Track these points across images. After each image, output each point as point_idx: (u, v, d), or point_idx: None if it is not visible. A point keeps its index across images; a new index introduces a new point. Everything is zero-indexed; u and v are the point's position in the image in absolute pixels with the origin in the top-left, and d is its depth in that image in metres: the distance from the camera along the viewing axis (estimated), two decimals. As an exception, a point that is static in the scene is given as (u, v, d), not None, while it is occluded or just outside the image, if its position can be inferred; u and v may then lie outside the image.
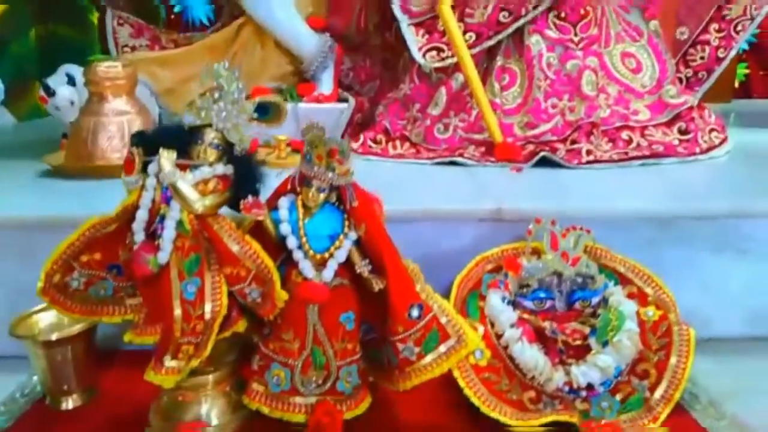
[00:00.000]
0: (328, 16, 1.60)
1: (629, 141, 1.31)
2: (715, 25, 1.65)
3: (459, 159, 1.31)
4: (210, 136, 0.78)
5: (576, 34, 1.38)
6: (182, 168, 0.76)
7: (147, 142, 0.78)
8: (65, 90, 1.37)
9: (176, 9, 1.98)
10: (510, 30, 1.38)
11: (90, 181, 1.15)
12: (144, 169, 0.79)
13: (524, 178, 1.23)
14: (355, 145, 1.40)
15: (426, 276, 0.84)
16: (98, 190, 1.07)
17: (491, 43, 1.39)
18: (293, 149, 1.30)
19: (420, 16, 1.40)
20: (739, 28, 1.63)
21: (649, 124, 1.35)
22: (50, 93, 1.35)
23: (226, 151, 0.80)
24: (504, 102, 1.37)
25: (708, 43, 1.65)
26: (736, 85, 2.28)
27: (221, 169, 0.79)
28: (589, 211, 1.03)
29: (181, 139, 0.78)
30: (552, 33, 1.38)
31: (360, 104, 1.52)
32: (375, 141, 1.42)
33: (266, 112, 0.87)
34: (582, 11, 1.38)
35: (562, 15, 1.38)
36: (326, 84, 1.53)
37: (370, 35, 1.65)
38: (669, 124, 1.36)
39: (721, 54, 1.65)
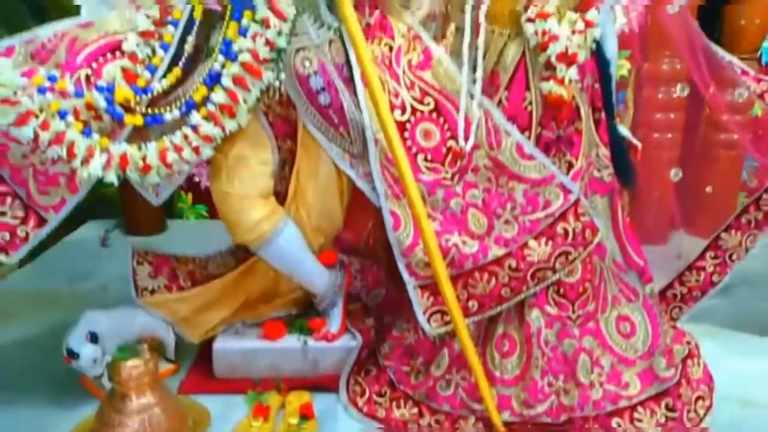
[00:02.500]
0: (341, 232, 1.66)
1: (618, 427, 1.40)
2: (711, 253, 1.71)
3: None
4: None
5: (574, 311, 1.45)
6: None
7: None
8: (89, 349, 1.45)
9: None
10: (511, 303, 1.45)
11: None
12: None
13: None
14: (360, 402, 1.49)
15: None
16: None
17: (492, 313, 1.46)
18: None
19: (426, 279, 1.46)
20: (734, 257, 1.69)
21: (638, 400, 1.43)
22: (75, 356, 1.43)
23: None
24: (503, 372, 1.45)
25: (704, 269, 1.71)
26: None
27: None
28: None
29: None
30: (551, 309, 1.44)
31: (366, 341, 1.61)
32: (380, 394, 1.51)
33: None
34: (580, 288, 1.45)
35: (561, 291, 1.44)
36: (335, 321, 1.61)
37: (378, 249, 1.71)
38: (657, 399, 1.44)
39: (715, 279, 1.72)
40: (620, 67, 2.46)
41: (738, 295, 2.00)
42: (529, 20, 1.35)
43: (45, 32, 1.38)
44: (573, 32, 1.35)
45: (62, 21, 1.42)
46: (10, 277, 2.23)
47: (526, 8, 1.36)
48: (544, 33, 1.35)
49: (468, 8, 1.38)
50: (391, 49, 1.51)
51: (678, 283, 1.75)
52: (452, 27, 1.52)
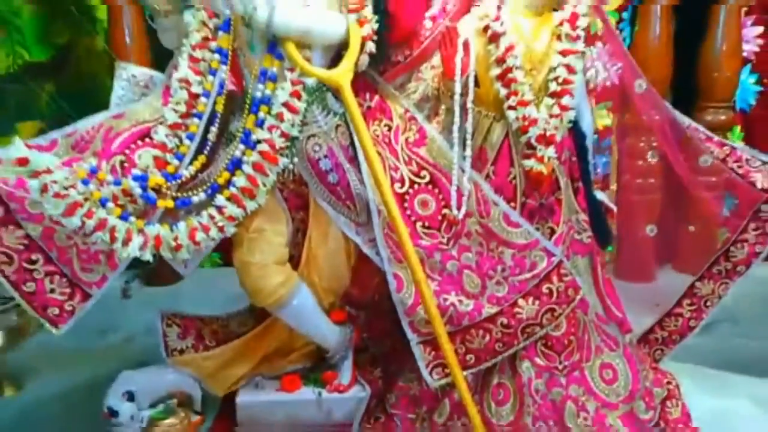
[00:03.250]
0: (349, 288, 1.82)
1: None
2: (687, 300, 1.87)
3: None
4: None
5: (560, 362, 1.61)
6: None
7: None
8: (127, 407, 1.61)
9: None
10: (504, 356, 1.61)
11: None
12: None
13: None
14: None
15: None
16: None
17: (488, 365, 1.62)
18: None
19: (427, 336, 1.63)
20: (709, 303, 1.85)
21: (623, 445, 1.59)
22: (115, 414, 1.59)
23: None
24: (498, 418, 1.61)
25: (681, 315, 1.87)
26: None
27: None
28: None
29: None
30: (540, 361, 1.61)
31: (375, 390, 1.76)
32: (387, 442, 1.67)
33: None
34: (566, 341, 1.61)
35: (549, 344, 1.61)
36: (346, 373, 1.76)
37: (383, 304, 1.87)
38: (639, 442, 1.60)
39: (692, 324, 1.87)
40: (603, 117, 2.65)
41: (720, 332, 2.14)
42: (510, 107, 1.54)
43: (84, 125, 1.58)
44: (550, 116, 1.54)
45: (98, 114, 1.61)
46: (40, 335, 2.38)
47: (507, 96, 1.55)
48: (524, 118, 1.53)
49: (457, 96, 1.56)
50: (390, 128, 1.69)
51: (658, 328, 1.90)
52: (443, 107, 1.71)
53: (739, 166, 1.73)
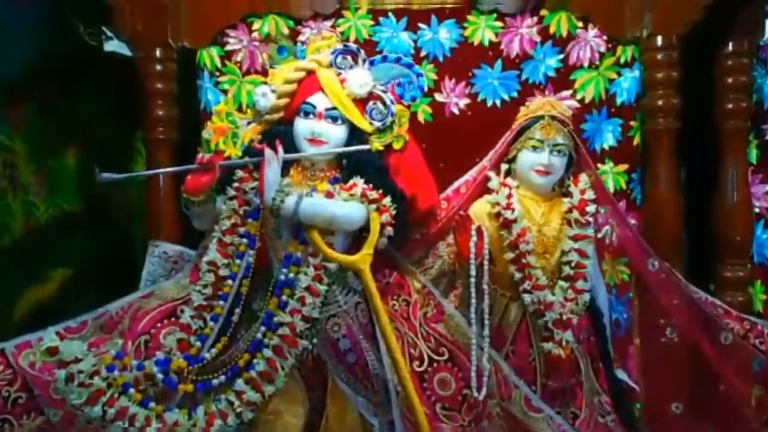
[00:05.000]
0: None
1: None
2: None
3: None
4: None
5: None
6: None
7: None
8: None
9: None
10: None
11: None
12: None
13: None
14: None
15: None
16: None
17: None
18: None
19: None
20: None
21: None
22: None
23: None
24: None
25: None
26: None
27: None
28: None
29: None
30: None
31: None
32: None
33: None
34: None
35: None
36: None
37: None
38: None
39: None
40: (620, 272, 2.67)
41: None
42: (525, 291, 1.58)
43: (114, 306, 1.65)
44: (566, 299, 1.57)
45: (129, 296, 1.68)
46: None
47: (522, 280, 1.59)
48: (539, 302, 1.56)
49: (472, 280, 1.61)
50: (408, 304, 1.72)
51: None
52: (460, 281, 1.76)
53: (761, 342, 1.71)
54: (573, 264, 1.58)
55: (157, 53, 1.92)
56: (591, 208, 1.62)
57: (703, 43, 1.90)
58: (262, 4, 1.90)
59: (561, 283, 1.59)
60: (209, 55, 1.92)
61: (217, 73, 1.92)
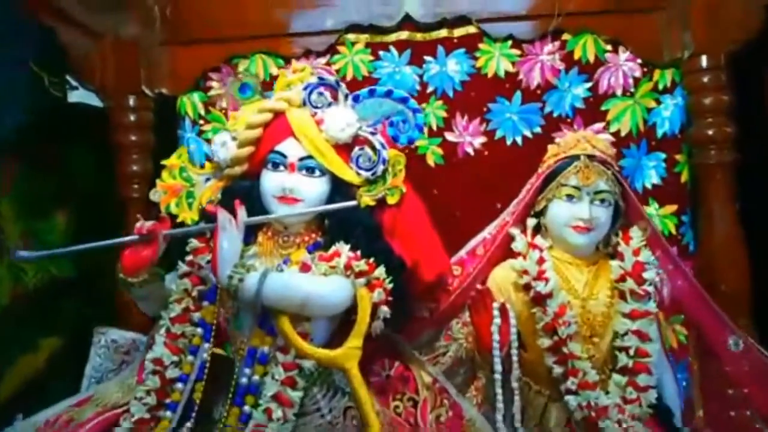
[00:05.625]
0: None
1: None
2: None
3: None
4: None
5: None
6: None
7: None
8: None
9: None
10: None
11: None
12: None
13: None
14: None
15: None
16: None
17: None
18: None
19: None
20: None
21: None
22: None
23: None
24: None
25: None
26: None
27: None
28: None
29: None
30: None
31: None
32: None
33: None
34: None
35: None
36: None
37: None
38: None
39: None
40: (677, 333, 2.24)
41: None
42: (570, 392, 1.17)
43: (44, 415, 1.31)
44: (624, 401, 1.16)
45: (64, 401, 1.33)
46: None
47: (564, 376, 1.18)
48: (589, 406, 1.15)
49: (497, 376, 1.21)
50: (415, 404, 1.33)
51: None
52: (481, 373, 1.36)
53: None
54: (632, 351, 1.18)
55: (130, 102, 1.73)
56: (650, 273, 1.23)
57: (747, 57, 1.60)
58: (246, 44, 1.69)
59: (616, 377, 1.18)
60: (191, 102, 1.72)
61: (201, 122, 1.72)
